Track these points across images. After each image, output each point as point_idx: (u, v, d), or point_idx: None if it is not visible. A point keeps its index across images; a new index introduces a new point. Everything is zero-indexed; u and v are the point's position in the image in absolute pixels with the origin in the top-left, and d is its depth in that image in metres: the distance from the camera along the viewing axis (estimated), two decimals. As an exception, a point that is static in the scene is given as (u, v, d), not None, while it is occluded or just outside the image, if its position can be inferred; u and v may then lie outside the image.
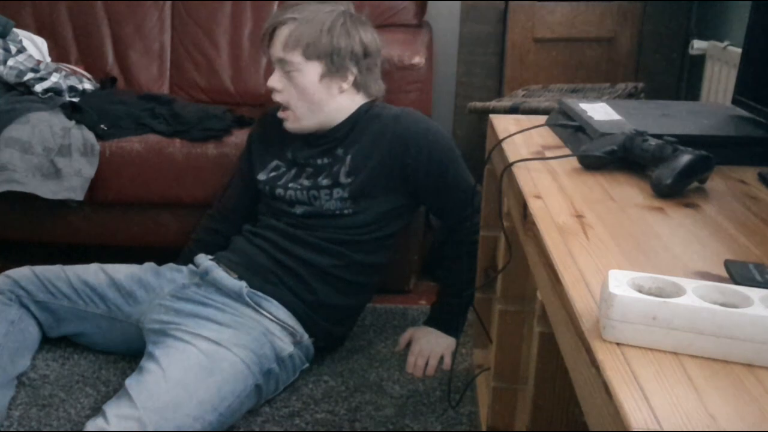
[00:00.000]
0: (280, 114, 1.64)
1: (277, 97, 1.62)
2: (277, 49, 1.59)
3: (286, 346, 1.54)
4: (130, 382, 1.36)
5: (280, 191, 1.67)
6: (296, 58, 1.57)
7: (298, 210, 1.65)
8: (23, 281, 1.67)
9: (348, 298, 1.66)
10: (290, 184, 1.67)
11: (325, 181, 1.63)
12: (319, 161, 1.65)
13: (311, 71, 1.58)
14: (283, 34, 1.58)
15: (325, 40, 1.57)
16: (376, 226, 1.64)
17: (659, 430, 0.48)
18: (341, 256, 1.63)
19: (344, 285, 1.64)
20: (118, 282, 1.67)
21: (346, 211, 1.62)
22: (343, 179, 1.61)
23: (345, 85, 1.62)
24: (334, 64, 1.58)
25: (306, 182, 1.65)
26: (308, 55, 1.57)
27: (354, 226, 1.63)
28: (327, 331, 1.66)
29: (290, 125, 1.64)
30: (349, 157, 1.62)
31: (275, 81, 1.61)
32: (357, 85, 1.63)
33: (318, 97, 1.60)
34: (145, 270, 1.70)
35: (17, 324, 1.64)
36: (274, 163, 1.72)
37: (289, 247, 1.63)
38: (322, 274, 1.62)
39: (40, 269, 1.71)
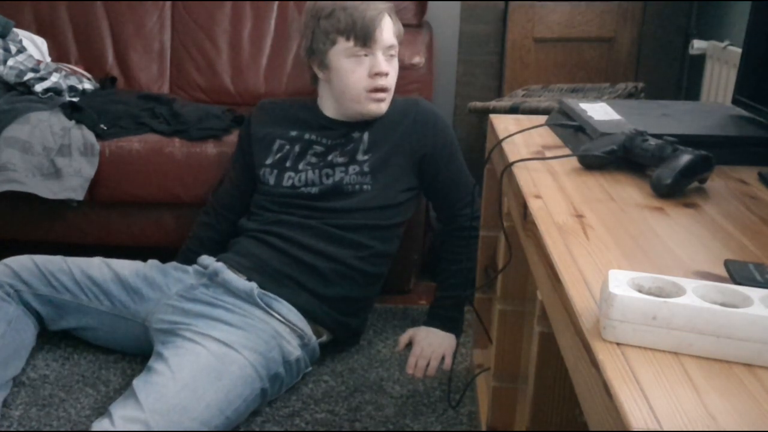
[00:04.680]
0: (381, 95, 1.67)
1: (384, 81, 1.66)
2: (389, 36, 1.66)
3: (294, 350, 1.53)
4: (138, 383, 1.33)
5: (290, 174, 1.69)
6: (397, 42, 1.70)
7: (313, 190, 1.67)
8: (24, 273, 1.64)
9: (365, 289, 1.69)
10: (299, 165, 1.69)
11: (340, 159, 1.68)
12: (331, 142, 1.71)
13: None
14: (389, 21, 1.67)
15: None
16: (394, 211, 1.68)
17: (659, 430, 0.48)
18: (359, 246, 1.64)
19: (361, 276, 1.66)
20: (123, 278, 1.64)
21: (365, 187, 1.66)
22: (360, 156, 1.67)
23: None
24: None
25: (313, 159, 1.69)
26: (399, 40, 1.71)
27: (374, 206, 1.65)
28: (345, 324, 1.67)
29: (384, 107, 1.70)
30: (366, 135, 1.69)
31: (387, 65, 1.66)
32: None
33: None
34: (151, 267, 1.68)
35: (14, 324, 1.59)
36: (277, 143, 1.74)
37: (306, 241, 1.63)
38: (340, 265, 1.63)
39: (41, 259, 1.67)
